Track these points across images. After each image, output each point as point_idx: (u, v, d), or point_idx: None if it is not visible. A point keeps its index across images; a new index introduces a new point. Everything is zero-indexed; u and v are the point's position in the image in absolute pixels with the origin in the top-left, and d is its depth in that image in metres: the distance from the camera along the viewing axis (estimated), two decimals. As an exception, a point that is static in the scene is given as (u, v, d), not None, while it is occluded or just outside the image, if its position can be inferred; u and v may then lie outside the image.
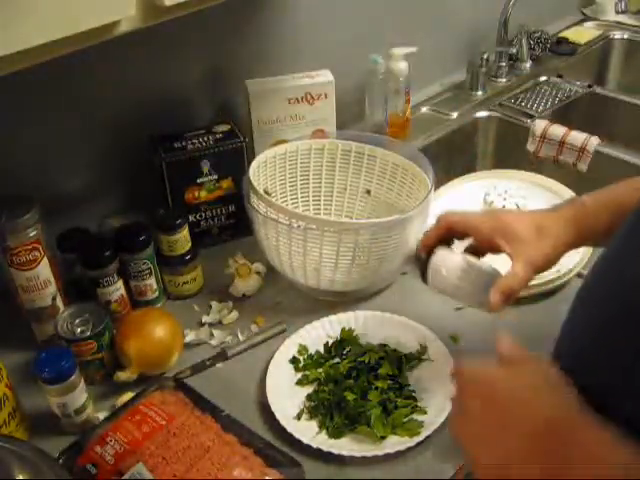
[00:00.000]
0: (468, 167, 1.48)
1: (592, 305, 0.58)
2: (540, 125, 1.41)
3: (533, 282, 0.83)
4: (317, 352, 0.92)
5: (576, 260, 1.02)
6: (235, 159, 1.07)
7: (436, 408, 0.83)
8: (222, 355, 0.94)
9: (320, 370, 0.89)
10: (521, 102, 1.54)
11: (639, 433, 0.48)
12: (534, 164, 1.41)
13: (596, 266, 0.60)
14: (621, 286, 0.54)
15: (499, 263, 0.80)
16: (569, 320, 0.61)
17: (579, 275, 1.02)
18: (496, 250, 0.80)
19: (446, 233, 0.83)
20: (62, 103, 1.01)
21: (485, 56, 1.52)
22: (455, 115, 1.49)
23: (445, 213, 0.85)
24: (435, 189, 0.99)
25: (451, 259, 0.80)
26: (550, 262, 0.78)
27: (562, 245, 0.77)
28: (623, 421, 0.50)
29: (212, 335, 0.97)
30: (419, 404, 0.84)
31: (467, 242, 0.84)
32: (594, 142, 1.35)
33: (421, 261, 0.82)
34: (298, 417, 0.84)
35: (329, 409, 0.83)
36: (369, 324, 0.96)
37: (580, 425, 0.52)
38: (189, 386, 0.84)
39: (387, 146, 1.10)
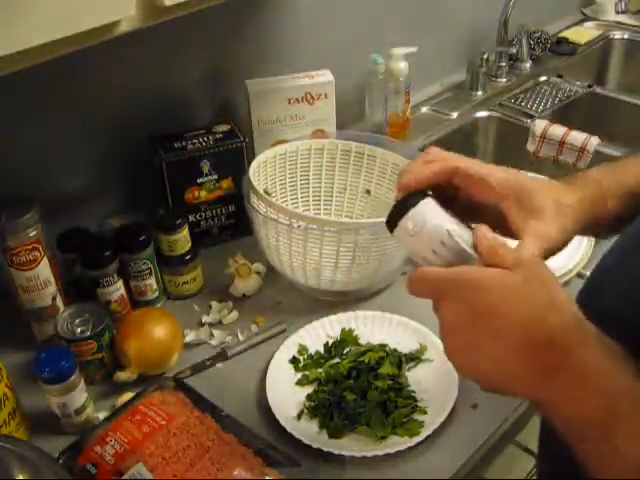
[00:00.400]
0: (468, 167, 1.48)
1: (601, 300, 0.57)
2: (540, 125, 1.41)
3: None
4: (317, 352, 0.92)
5: (576, 260, 1.02)
6: (235, 159, 1.07)
7: (436, 408, 0.83)
8: (222, 355, 0.94)
9: (320, 370, 0.89)
10: (521, 102, 1.54)
11: None
12: (534, 164, 1.41)
13: (605, 260, 0.59)
14: (632, 283, 0.54)
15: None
16: None
17: (579, 275, 1.01)
18: (492, 216, 0.61)
19: (441, 178, 0.61)
20: (62, 103, 1.01)
21: (485, 56, 1.52)
22: (455, 115, 1.49)
23: (445, 153, 0.63)
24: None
25: (437, 219, 0.58)
26: (560, 245, 0.61)
27: (577, 229, 0.62)
28: None
29: (212, 335, 0.97)
30: (419, 404, 0.84)
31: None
32: (594, 142, 1.35)
33: (397, 200, 0.61)
34: (298, 417, 0.84)
35: (329, 409, 0.83)
36: (369, 324, 0.96)
37: (580, 345, 0.49)
38: (189, 386, 0.84)
39: (387, 146, 1.10)
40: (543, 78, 1.63)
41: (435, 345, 0.91)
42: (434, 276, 0.55)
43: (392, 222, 0.60)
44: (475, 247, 0.56)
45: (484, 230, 0.56)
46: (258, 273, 1.04)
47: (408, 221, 0.59)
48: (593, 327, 0.50)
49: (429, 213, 0.59)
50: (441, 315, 0.55)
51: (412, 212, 0.59)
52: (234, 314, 1.00)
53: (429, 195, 0.60)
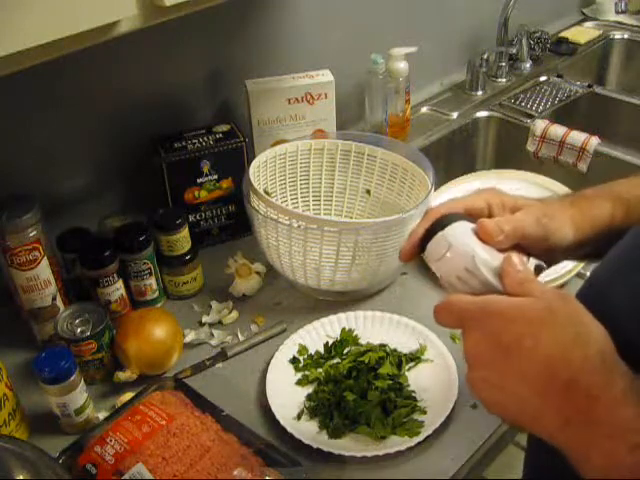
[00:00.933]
0: (468, 167, 1.48)
1: (607, 298, 0.57)
2: (540, 125, 1.41)
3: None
4: (317, 352, 0.92)
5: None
6: (235, 159, 1.07)
7: (436, 408, 0.83)
8: (222, 355, 0.94)
9: (320, 370, 0.89)
10: (521, 102, 1.54)
11: None
12: (534, 164, 1.41)
13: (611, 256, 0.59)
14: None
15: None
16: None
17: (579, 275, 1.01)
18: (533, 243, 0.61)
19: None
20: (62, 103, 1.01)
21: (485, 56, 1.52)
22: (455, 115, 1.49)
23: (434, 206, 0.65)
24: (435, 189, 0.99)
25: (463, 244, 0.57)
26: (542, 232, 0.60)
27: (569, 217, 0.62)
28: None
29: (212, 335, 0.97)
30: (419, 404, 0.84)
31: None
32: (594, 142, 1.35)
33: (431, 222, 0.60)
34: (298, 417, 0.84)
35: (329, 409, 0.83)
36: (369, 324, 0.96)
37: (606, 389, 0.46)
38: (189, 386, 0.84)
39: (387, 146, 1.10)
40: (543, 78, 1.63)
41: (435, 345, 0.91)
42: (459, 306, 0.54)
43: (422, 245, 0.59)
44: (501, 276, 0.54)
45: (513, 260, 0.54)
46: (258, 273, 1.04)
47: (434, 244, 0.58)
48: (623, 365, 0.48)
49: (456, 237, 0.57)
50: (465, 345, 0.54)
51: (439, 235, 0.57)
52: (234, 314, 1.00)
53: (463, 219, 0.59)
